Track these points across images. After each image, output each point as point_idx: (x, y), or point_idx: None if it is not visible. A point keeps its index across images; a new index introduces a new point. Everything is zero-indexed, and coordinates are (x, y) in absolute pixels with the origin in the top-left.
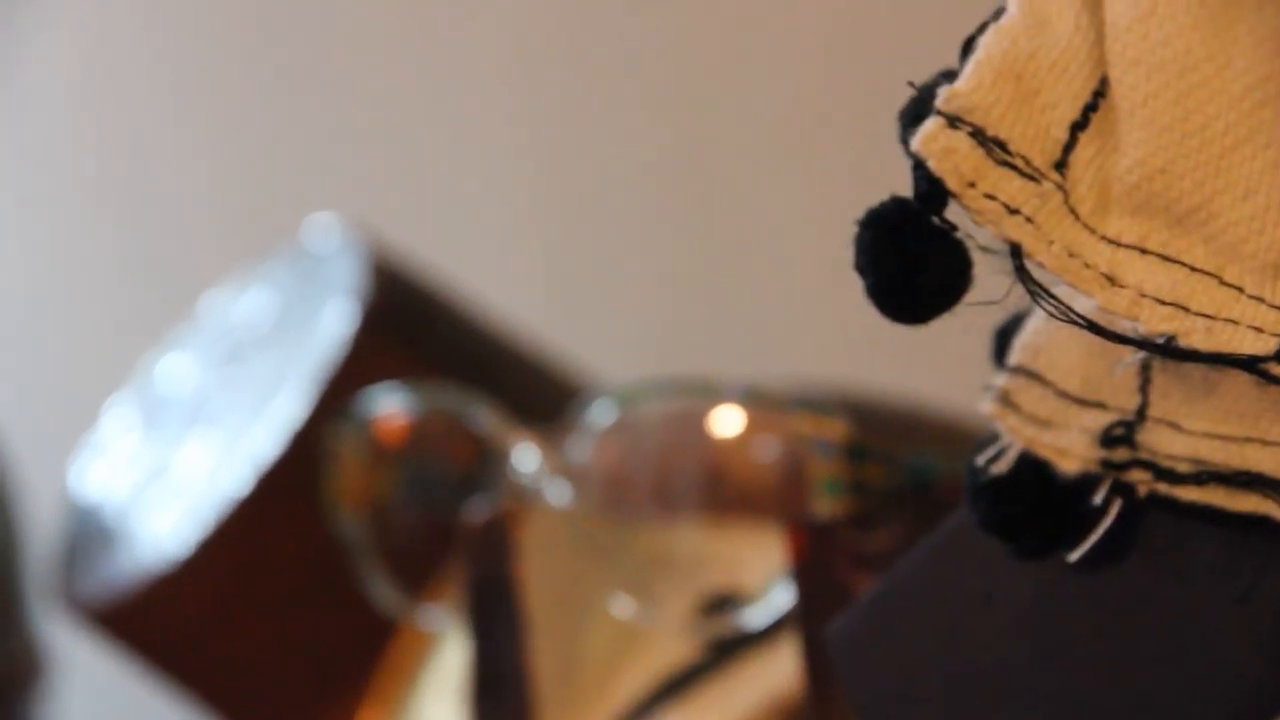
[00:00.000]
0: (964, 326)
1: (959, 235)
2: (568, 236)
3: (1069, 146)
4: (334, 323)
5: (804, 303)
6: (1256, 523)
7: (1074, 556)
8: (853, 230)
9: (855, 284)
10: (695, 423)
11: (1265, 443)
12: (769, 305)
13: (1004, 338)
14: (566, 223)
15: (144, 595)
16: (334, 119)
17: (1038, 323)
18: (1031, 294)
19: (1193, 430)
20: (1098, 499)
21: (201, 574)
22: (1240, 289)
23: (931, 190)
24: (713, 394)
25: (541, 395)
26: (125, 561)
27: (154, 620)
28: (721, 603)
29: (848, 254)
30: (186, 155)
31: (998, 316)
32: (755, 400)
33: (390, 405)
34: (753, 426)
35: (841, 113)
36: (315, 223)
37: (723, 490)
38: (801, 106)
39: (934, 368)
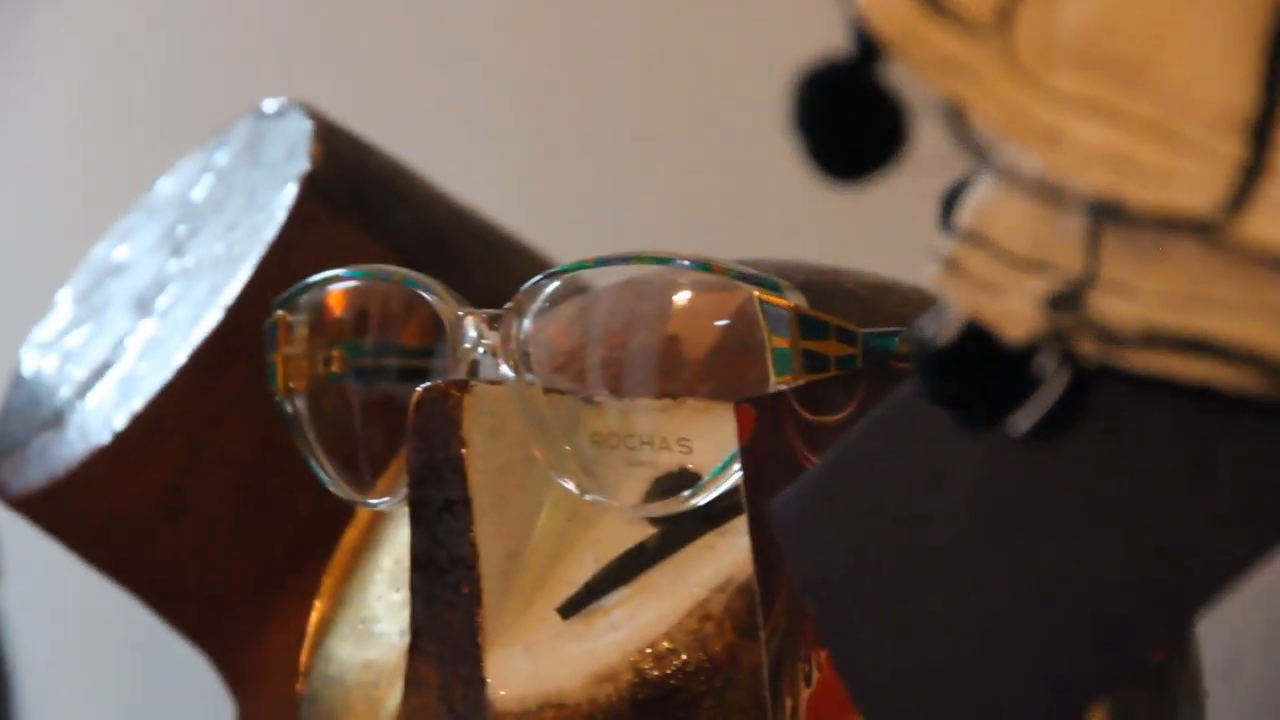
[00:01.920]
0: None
1: (898, 93)
2: (530, 121)
3: (1013, 0)
4: (281, 204)
5: (764, 185)
6: (1208, 391)
7: (1021, 428)
8: None
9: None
10: (646, 297)
11: (1216, 304)
12: (731, 191)
13: (950, 204)
14: (528, 107)
15: (78, 481)
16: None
17: (983, 186)
18: (973, 153)
19: (1143, 293)
20: (1045, 366)
21: (144, 457)
22: (1186, 145)
23: (868, 45)
24: (664, 267)
25: (495, 274)
26: (65, 449)
27: (90, 507)
28: (673, 481)
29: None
30: (140, 38)
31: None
32: (708, 273)
33: (337, 284)
34: (706, 300)
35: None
36: (262, 104)
37: (674, 365)
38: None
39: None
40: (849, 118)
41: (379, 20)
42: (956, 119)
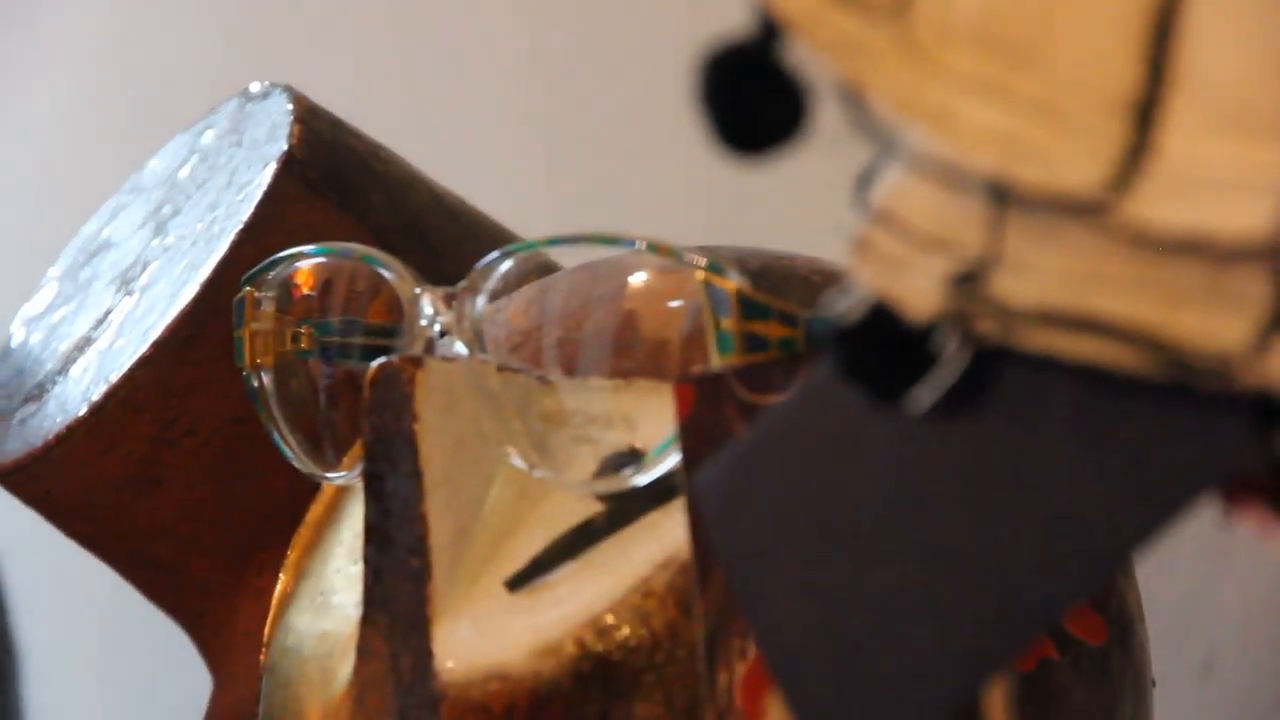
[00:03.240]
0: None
1: (798, 74)
2: (483, 100)
3: None
4: (261, 183)
5: (702, 162)
6: (1105, 370)
7: (921, 404)
8: None
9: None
10: (601, 279)
11: (1107, 283)
12: (681, 172)
13: (864, 185)
14: (482, 89)
15: (56, 450)
16: None
17: (895, 166)
18: (870, 133)
19: (1040, 272)
20: (946, 346)
21: (117, 428)
22: (1074, 126)
23: (768, 27)
24: (612, 248)
25: (470, 257)
26: (48, 419)
27: (69, 475)
28: (620, 459)
29: None
30: (127, 24)
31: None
32: (656, 254)
33: (303, 261)
34: (656, 282)
35: None
36: (246, 88)
37: (625, 346)
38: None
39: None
40: (749, 96)
41: (377, 8)
42: (856, 99)
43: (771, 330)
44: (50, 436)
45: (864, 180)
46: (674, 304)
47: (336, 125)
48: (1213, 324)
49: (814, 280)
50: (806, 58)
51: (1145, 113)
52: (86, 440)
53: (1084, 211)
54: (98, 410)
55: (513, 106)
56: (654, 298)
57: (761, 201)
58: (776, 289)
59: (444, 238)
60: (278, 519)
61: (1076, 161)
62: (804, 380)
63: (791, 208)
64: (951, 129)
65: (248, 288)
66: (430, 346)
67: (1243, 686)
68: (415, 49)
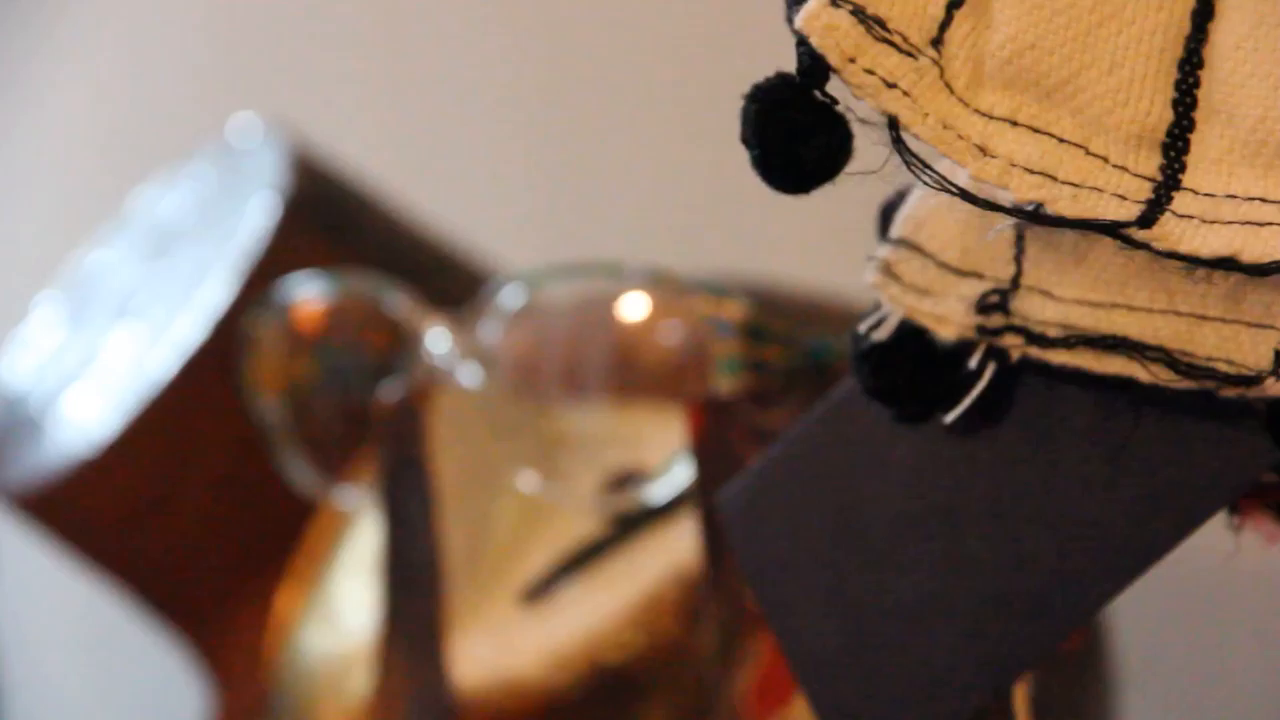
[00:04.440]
0: (859, 219)
1: (840, 109)
2: (479, 132)
3: (945, 24)
4: (256, 215)
5: (707, 195)
6: (1124, 385)
7: (950, 418)
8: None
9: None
10: (601, 305)
11: (1130, 308)
12: (673, 198)
13: (888, 214)
14: (478, 120)
15: (70, 481)
16: (258, 17)
17: (919, 197)
18: (908, 165)
19: (1063, 297)
20: (973, 363)
21: (127, 459)
22: (1105, 159)
23: (814, 65)
24: (618, 277)
25: (454, 285)
26: (51, 450)
27: (80, 506)
28: (625, 479)
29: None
30: (111, 54)
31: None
32: (658, 283)
33: (308, 292)
34: (656, 308)
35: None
36: (238, 121)
37: (627, 370)
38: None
39: (831, 262)
40: (795, 132)
41: (368, 35)
42: (891, 130)
43: (772, 354)
44: (60, 468)
45: (886, 210)
46: (672, 328)
47: (321, 158)
48: (1233, 343)
49: (802, 304)
50: (847, 93)
51: (1175, 145)
52: (100, 470)
53: (1113, 237)
54: (105, 442)
55: (503, 131)
56: (653, 322)
57: (758, 221)
58: (776, 314)
59: (423, 263)
60: (275, 541)
61: (1109, 193)
62: (824, 399)
63: (788, 229)
64: (987, 163)
65: (254, 318)
66: (439, 373)
67: (1183, 690)
68: (410, 76)
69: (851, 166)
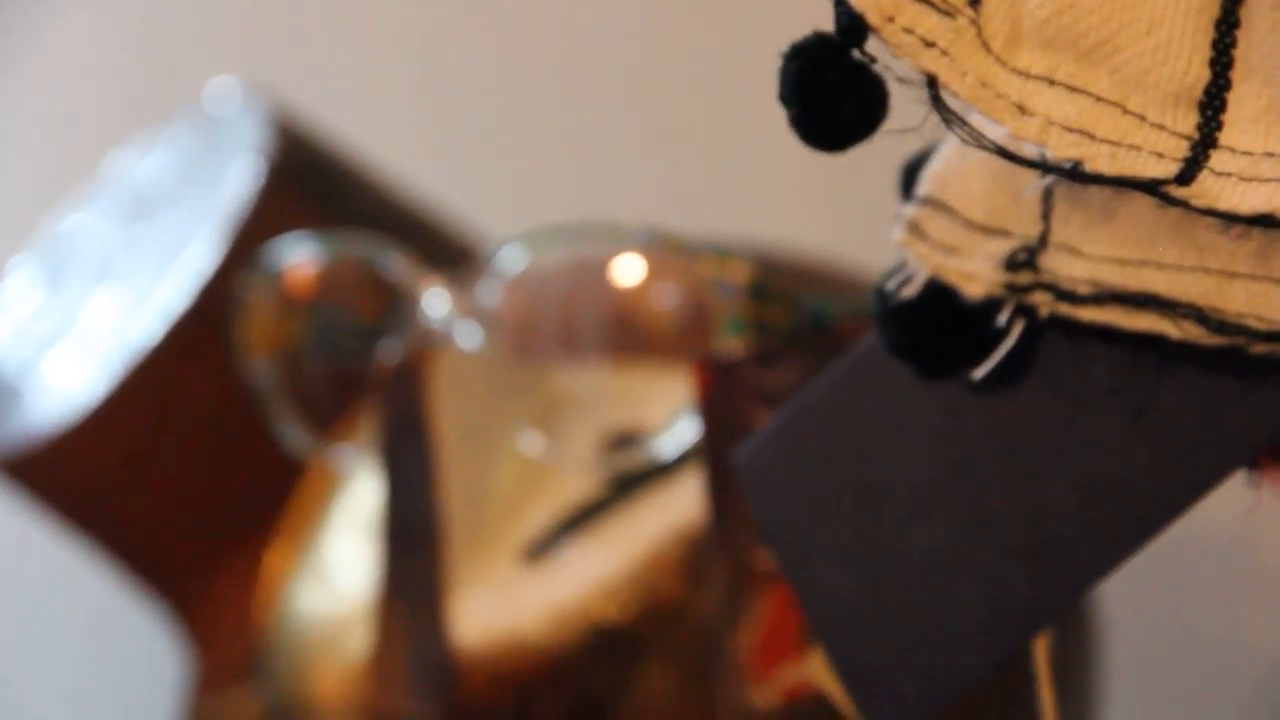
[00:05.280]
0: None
1: (877, 68)
2: (465, 96)
3: None
4: (239, 179)
5: (704, 161)
6: (1150, 343)
7: (978, 375)
8: (764, 79)
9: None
10: (601, 266)
11: (1160, 265)
12: (670, 163)
13: (911, 174)
14: (464, 83)
15: (55, 445)
16: None
17: (946, 156)
18: (946, 122)
19: (1092, 254)
20: (1001, 320)
21: (112, 423)
22: (1143, 117)
23: (852, 25)
24: (618, 238)
25: (437, 250)
26: (33, 414)
27: (66, 470)
28: (625, 439)
29: (749, 109)
30: (90, 17)
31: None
32: (659, 244)
33: (299, 254)
34: (657, 269)
35: None
36: (217, 85)
37: (628, 331)
38: None
39: (834, 227)
40: (832, 90)
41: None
42: (929, 88)
43: (776, 314)
44: (46, 432)
45: (909, 170)
46: (676, 290)
47: (302, 122)
48: (1263, 300)
49: (799, 267)
50: (885, 51)
51: (1212, 104)
52: (86, 434)
53: (1150, 194)
54: (90, 405)
55: (490, 91)
56: (656, 284)
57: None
58: (779, 276)
59: (406, 227)
60: (263, 503)
61: (1147, 151)
62: (843, 358)
63: (784, 194)
64: (1026, 120)
65: (246, 278)
66: (437, 335)
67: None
68: (390, 40)
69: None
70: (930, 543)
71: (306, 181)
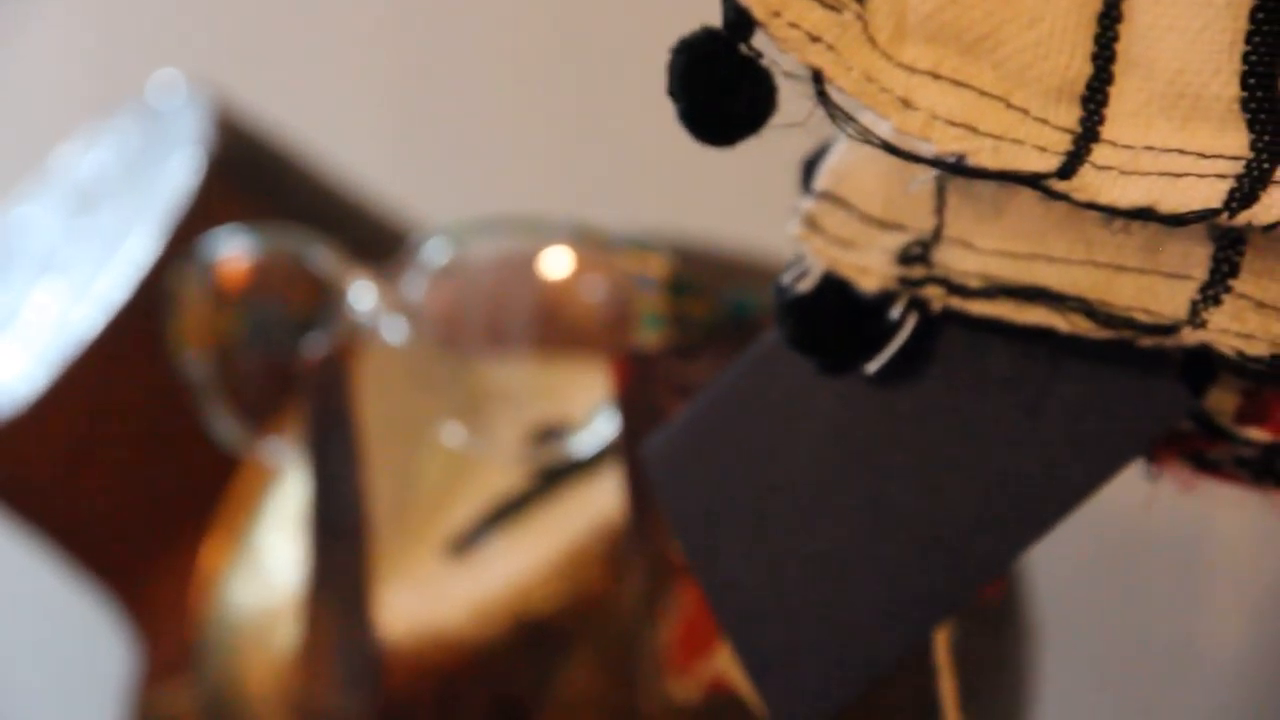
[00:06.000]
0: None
1: (764, 63)
2: (407, 91)
3: None
4: (180, 172)
5: (629, 151)
6: (1043, 336)
7: (872, 368)
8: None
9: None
10: (524, 260)
11: (1050, 259)
12: (593, 156)
13: (810, 168)
14: (406, 77)
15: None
16: None
17: (840, 151)
18: (832, 117)
19: (984, 248)
20: (895, 314)
21: (51, 415)
22: (1026, 111)
23: (739, 19)
24: (541, 232)
25: (379, 242)
26: None
27: (5, 462)
28: (549, 432)
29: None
30: (37, 13)
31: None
32: (582, 238)
33: (232, 248)
34: (579, 263)
35: None
36: (160, 79)
37: (551, 325)
38: None
39: (748, 218)
40: (720, 85)
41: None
42: (815, 83)
43: (695, 307)
44: None
45: (809, 164)
46: (597, 283)
47: (243, 116)
48: (1150, 293)
49: (725, 260)
50: (772, 47)
51: (1094, 98)
52: (25, 427)
53: (1033, 188)
54: (29, 398)
55: (425, 86)
56: (578, 277)
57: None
58: (698, 269)
59: (347, 220)
60: (200, 495)
61: (1030, 145)
62: (748, 351)
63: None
64: (910, 115)
65: (180, 272)
66: (363, 328)
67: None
68: (331, 33)
69: (775, 120)
70: (832, 535)
71: (247, 175)
